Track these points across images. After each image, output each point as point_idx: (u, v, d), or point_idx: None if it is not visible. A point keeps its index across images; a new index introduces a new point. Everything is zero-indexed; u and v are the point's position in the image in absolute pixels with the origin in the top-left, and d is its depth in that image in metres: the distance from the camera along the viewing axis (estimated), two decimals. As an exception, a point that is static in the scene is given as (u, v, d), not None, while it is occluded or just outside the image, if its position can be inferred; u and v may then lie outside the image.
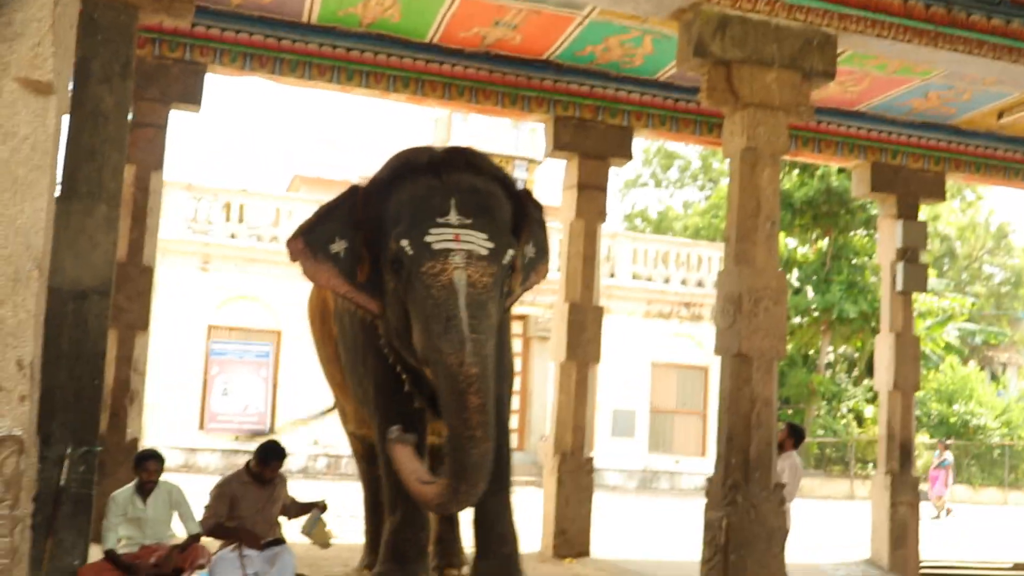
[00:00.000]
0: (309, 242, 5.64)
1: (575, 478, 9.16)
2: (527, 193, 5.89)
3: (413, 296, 5.19)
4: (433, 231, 5.18)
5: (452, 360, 4.91)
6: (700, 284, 22.51)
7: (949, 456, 19.15)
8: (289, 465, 19.01)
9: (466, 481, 4.87)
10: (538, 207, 5.91)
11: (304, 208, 20.10)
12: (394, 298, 5.39)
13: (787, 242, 26.59)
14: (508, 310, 5.86)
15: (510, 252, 5.31)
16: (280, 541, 5.96)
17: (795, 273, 26.06)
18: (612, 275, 21.76)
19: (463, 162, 5.55)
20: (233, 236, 19.53)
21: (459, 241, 5.14)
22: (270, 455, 6.03)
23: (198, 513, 6.00)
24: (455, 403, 4.90)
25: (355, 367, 6.30)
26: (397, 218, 5.37)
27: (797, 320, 25.67)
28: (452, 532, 7.21)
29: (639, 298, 21.90)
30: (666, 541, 11.52)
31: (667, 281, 22.34)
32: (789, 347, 25.53)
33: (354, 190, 5.72)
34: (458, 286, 5.02)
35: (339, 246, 5.59)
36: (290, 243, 5.70)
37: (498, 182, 5.61)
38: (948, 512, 18.37)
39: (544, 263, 5.97)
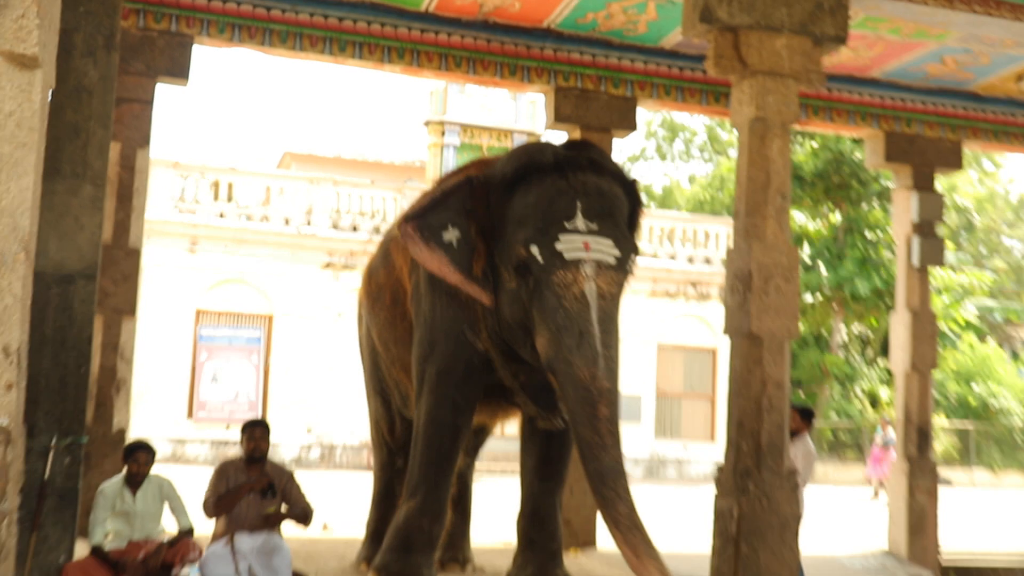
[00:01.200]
0: (421, 227, 5.70)
1: (579, 466, 9.17)
2: (638, 186, 5.97)
3: (542, 304, 5.28)
4: (563, 238, 5.28)
5: (584, 374, 5.07)
6: (708, 261, 22.53)
7: (892, 434, 19.16)
8: (282, 454, 19.06)
9: (608, 486, 5.01)
10: (641, 199, 6.03)
11: (295, 186, 20.12)
12: (514, 297, 5.49)
13: (798, 216, 26.57)
14: None
15: (633, 258, 5.45)
16: (274, 532, 5.97)
17: (806, 249, 26.06)
18: (616, 253, 21.72)
19: (587, 161, 5.64)
20: (222, 216, 19.52)
21: (589, 250, 5.25)
22: (251, 423, 6.07)
23: (190, 506, 6.03)
24: (586, 414, 5.07)
25: (423, 346, 6.29)
26: (522, 220, 5.45)
27: (809, 298, 25.68)
28: (463, 526, 7.26)
29: (644, 277, 21.91)
30: (674, 531, 11.56)
31: (673, 258, 22.36)
32: (801, 327, 25.55)
33: (469, 181, 5.78)
34: (590, 299, 5.16)
35: (452, 235, 5.69)
36: (403, 227, 5.76)
37: (618, 180, 5.71)
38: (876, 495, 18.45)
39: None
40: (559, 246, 5.24)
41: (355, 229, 20.28)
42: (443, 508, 6.07)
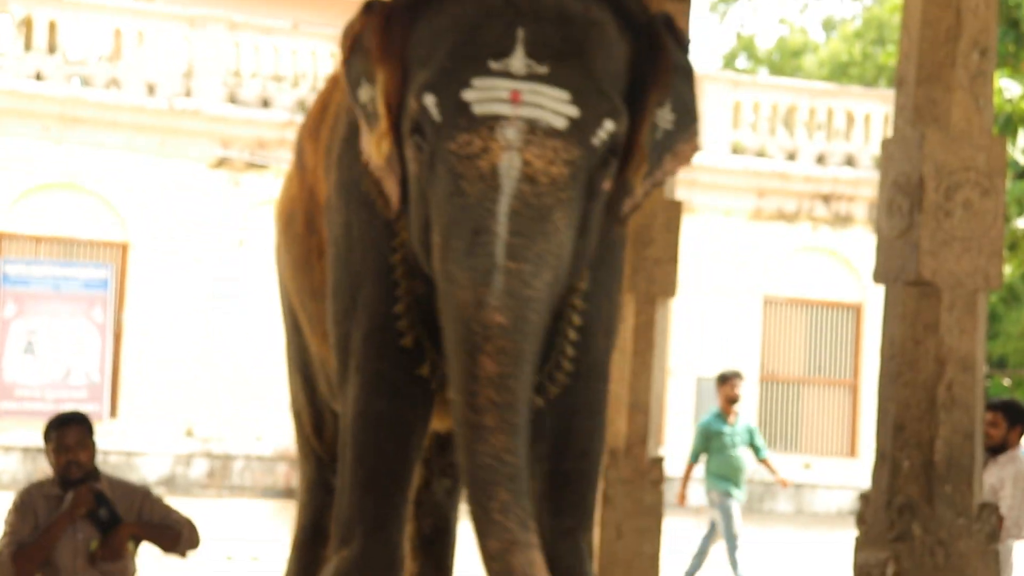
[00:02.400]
0: (349, 80, 5.69)
1: (633, 493, 9.28)
2: (666, 21, 5.85)
3: (435, 188, 5.21)
4: (478, 83, 5.17)
5: (467, 297, 4.93)
6: (850, 162, 22.49)
7: None
8: (144, 471, 19.36)
9: (476, 500, 4.93)
10: (683, 44, 5.89)
11: (163, 29, 20.06)
12: (416, 189, 5.44)
13: (1009, 87, 26.49)
14: (623, 223, 5.88)
15: (609, 126, 5.26)
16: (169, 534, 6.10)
17: (1021, 142, 26.02)
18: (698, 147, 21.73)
19: None
20: (39, 78, 19.53)
21: (519, 103, 5.15)
22: (58, 422, 6.16)
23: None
24: (461, 366, 4.93)
25: (341, 296, 6.32)
26: (426, 58, 5.38)
27: (1023, 224, 25.71)
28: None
29: (745, 187, 21.89)
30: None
31: (793, 157, 22.33)
32: (1008, 270, 25.57)
33: (372, 5, 5.74)
34: (503, 180, 5.02)
35: (367, 93, 5.64)
36: (341, 74, 5.77)
37: (608, 4, 5.59)
38: None
39: (689, 139, 5.91)
40: (468, 95, 5.10)
41: (266, 104, 20.31)
42: (395, 557, 6.08)
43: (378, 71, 5.54)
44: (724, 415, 12.27)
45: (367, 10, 5.69)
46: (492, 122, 5.04)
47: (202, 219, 19.81)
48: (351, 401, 6.09)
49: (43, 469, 18.30)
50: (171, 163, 19.84)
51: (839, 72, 33.93)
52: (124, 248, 19.78)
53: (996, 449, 7.58)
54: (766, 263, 22.13)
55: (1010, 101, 26.06)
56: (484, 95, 5.10)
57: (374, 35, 5.57)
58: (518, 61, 5.16)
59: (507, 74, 5.14)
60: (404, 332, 5.84)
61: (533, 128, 5.05)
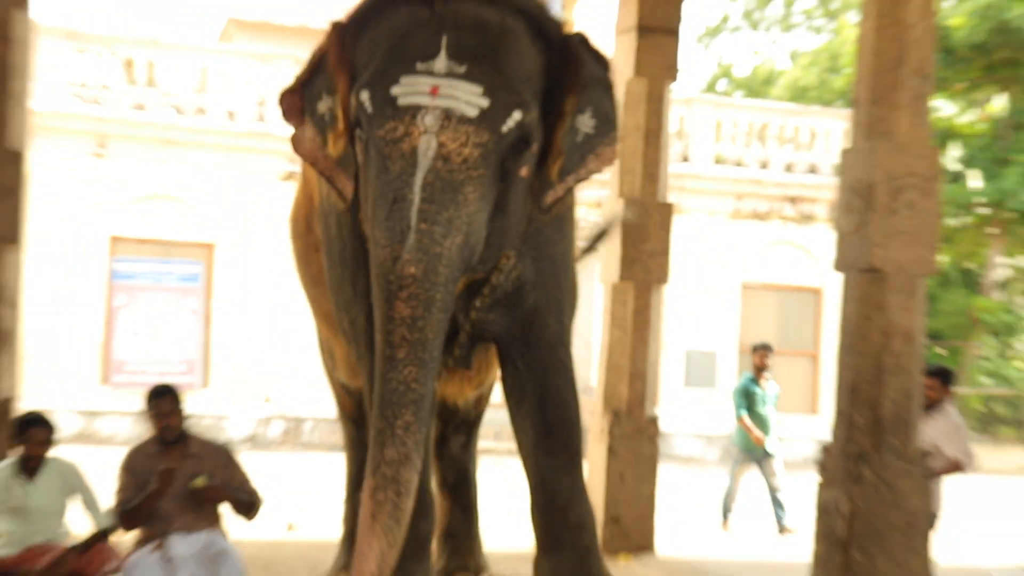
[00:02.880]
0: (305, 98, 5.69)
1: (633, 446, 9.27)
2: (581, 40, 5.82)
3: (368, 170, 5.24)
4: (404, 80, 5.15)
5: (385, 254, 4.94)
6: (813, 170, 22.42)
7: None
8: (230, 431, 19.33)
9: (383, 418, 4.92)
10: (601, 61, 5.86)
11: (240, 65, 20.07)
12: (361, 176, 5.44)
13: (944, 107, 26.32)
14: (547, 212, 5.86)
15: (516, 115, 5.24)
16: (217, 532, 6.07)
17: (955, 151, 25.84)
18: (686, 159, 21.67)
19: None
20: (141, 108, 19.51)
21: (437, 95, 5.12)
22: (153, 393, 6.14)
23: (106, 500, 6.13)
24: (380, 312, 4.97)
25: (341, 288, 6.34)
26: (366, 63, 5.36)
27: (956, 220, 25.54)
28: (467, 525, 7.34)
29: (725, 191, 21.84)
30: (761, 533, 11.68)
31: (765, 166, 22.27)
32: (944, 259, 25.46)
33: (335, 25, 5.72)
34: (420, 158, 5.03)
35: (325, 104, 5.63)
36: (284, 98, 5.74)
37: (523, 17, 5.55)
38: None
39: (608, 143, 5.90)
40: (395, 89, 5.11)
41: (326, 125, 20.24)
42: (424, 496, 6.08)
43: (337, 82, 5.52)
44: (756, 379, 12.09)
45: (330, 31, 5.63)
46: (414, 111, 5.04)
47: (273, 222, 19.77)
48: (365, 373, 6.08)
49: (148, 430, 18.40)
50: (248, 177, 19.85)
51: (801, 95, 33.73)
52: (211, 248, 19.79)
53: (931, 407, 7.56)
54: (743, 255, 22.09)
55: (944, 118, 25.90)
56: (408, 89, 5.09)
57: (332, 51, 5.54)
58: (441, 62, 5.14)
59: (430, 72, 5.12)
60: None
61: (448, 116, 5.05)
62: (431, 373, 4.98)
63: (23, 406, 7.80)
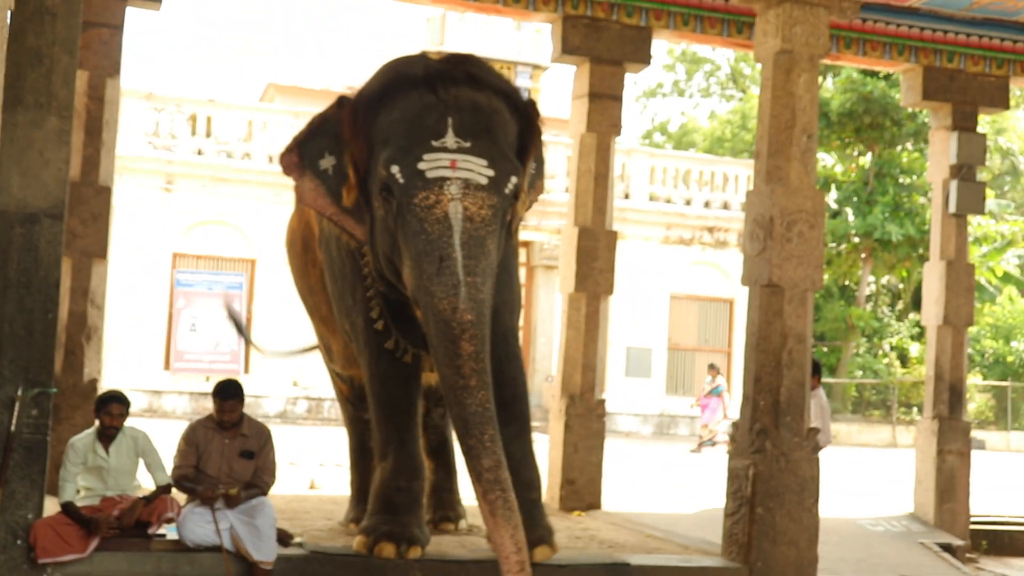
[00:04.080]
0: (303, 155, 5.68)
1: (584, 423, 9.25)
2: (533, 106, 5.87)
3: (404, 229, 5.26)
4: (427, 157, 5.22)
5: (445, 305, 5.02)
6: (726, 206, 22.49)
7: (722, 382, 19.36)
8: (266, 408, 19.19)
9: (472, 435, 4.99)
10: (539, 116, 5.93)
11: (279, 120, 20.01)
12: (383, 227, 5.45)
13: (825, 159, 26.45)
14: (515, 233, 5.90)
15: (513, 180, 5.35)
16: (256, 491, 6.02)
17: (833, 193, 25.97)
18: (627, 196, 21.72)
19: (463, 75, 5.55)
20: (200, 152, 19.46)
21: (455, 168, 5.19)
22: (222, 392, 6.08)
23: (167, 461, 6.07)
24: (447, 351, 5.04)
25: (343, 298, 6.35)
26: (387, 140, 5.40)
27: (835, 247, 25.67)
28: (448, 481, 7.31)
29: (657, 222, 21.88)
30: (686, 493, 11.67)
31: (689, 203, 22.33)
32: (826, 277, 25.58)
33: (343, 101, 5.72)
34: (453, 221, 5.12)
35: (328, 162, 5.66)
36: (284, 156, 5.78)
37: (503, 96, 5.62)
38: (713, 444, 18.57)
39: (542, 177, 6.09)
40: (422, 165, 5.19)
41: (345, 167, 20.23)
42: (417, 463, 6.12)
43: (349, 146, 5.56)
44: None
45: (339, 104, 5.73)
46: (440, 182, 5.17)
47: (304, 244, 19.79)
48: (366, 365, 6.13)
49: (204, 406, 18.28)
50: (283, 207, 19.70)
51: (719, 146, 33.85)
52: (253, 263, 19.72)
53: None
54: (671, 272, 22.13)
55: (825, 167, 26.05)
56: (432, 164, 5.20)
57: (345, 121, 5.60)
58: (450, 139, 5.27)
59: (444, 149, 5.23)
60: (377, 319, 5.96)
61: (467, 185, 5.19)
62: (492, 392, 5.08)
63: (104, 386, 7.75)
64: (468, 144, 5.25)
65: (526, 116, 5.72)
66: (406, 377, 6.12)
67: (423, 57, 5.83)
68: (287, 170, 5.78)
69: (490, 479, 4.96)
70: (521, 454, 6.10)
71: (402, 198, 5.22)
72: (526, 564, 4.96)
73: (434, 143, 5.25)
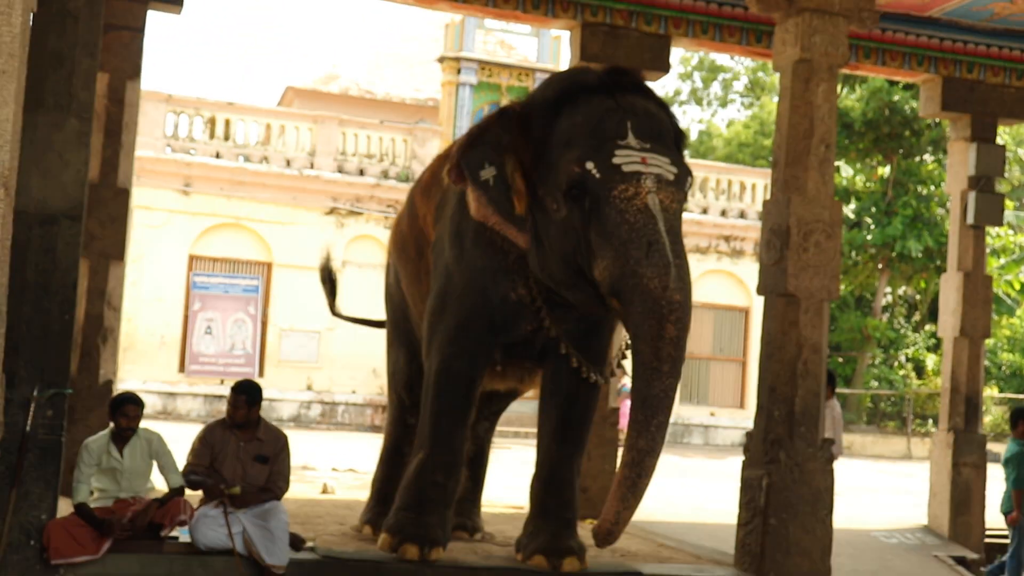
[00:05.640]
0: (465, 166, 5.72)
1: (597, 431, 9.15)
2: (676, 117, 6.04)
3: (603, 222, 5.31)
4: (619, 152, 5.35)
5: (655, 284, 5.10)
6: (743, 215, 22.44)
7: (628, 381, 19.10)
8: (280, 412, 19.23)
9: (643, 413, 5.09)
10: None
11: (297, 125, 20.07)
12: (564, 228, 5.48)
13: (843, 169, 26.35)
14: None
15: (689, 180, 5.56)
16: (270, 495, 6.02)
17: (851, 204, 25.87)
18: (644, 204, 21.69)
19: (632, 84, 5.74)
20: (218, 156, 19.52)
21: (647, 164, 5.32)
22: (235, 388, 6.10)
23: (181, 464, 6.09)
24: (650, 330, 5.10)
25: (438, 299, 6.31)
26: (571, 141, 5.50)
27: (852, 257, 25.56)
28: (474, 493, 7.30)
29: (674, 230, 21.84)
30: (699, 502, 11.64)
31: (705, 211, 22.28)
32: (842, 287, 25.47)
33: (504, 112, 5.81)
34: (655, 210, 5.23)
35: (488, 173, 5.72)
36: (450, 171, 5.83)
37: (661, 106, 5.82)
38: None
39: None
40: (616, 160, 5.31)
41: (361, 173, 20.23)
42: (458, 461, 6.13)
43: (515, 154, 5.66)
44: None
45: (503, 114, 5.85)
46: (637, 176, 5.28)
47: (318, 247, 19.78)
48: (437, 361, 6.12)
49: (218, 410, 18.33)
50: (299, 211, 19.84)
51: (736, 150, 33.79)
52: (269, 266, 19.76)
53: None
54: (687, 281, 22.10)
55: (844, 178, 25.95)
56: (627, 159, 5.33)
57: (515, 128, 5.71)
58: (632, 140, 5.40)
59: (630, 147, 5.36)
60: (498, 321, 6.02)
61: (659, 180, 5.32)
62: (678, 381, 5.20)
63: (119, 388, 7.77)
64: (648, 145, 5.42)
65: (676, 126, 5.89)
66: (473, 381, 6.16)
67: (590, 69, 6.03)
68: (456, 181, 5.82)
69: (635, 459, 5.07)
70: (570, 476, 6.26)
71: (599, 192, 5.31)
72: (615, 534, 5.14)
73: (619, 142, 5.40)
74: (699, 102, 40.37)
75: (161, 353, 19.02)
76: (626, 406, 18.87)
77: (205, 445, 6.05)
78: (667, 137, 5.62)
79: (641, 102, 5.61)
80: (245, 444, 6.05)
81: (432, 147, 20.30)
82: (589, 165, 5.33)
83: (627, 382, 18.94)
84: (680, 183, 5.40)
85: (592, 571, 6.25)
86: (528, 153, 5.64)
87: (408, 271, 7.21)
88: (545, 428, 6.28)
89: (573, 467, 6.26)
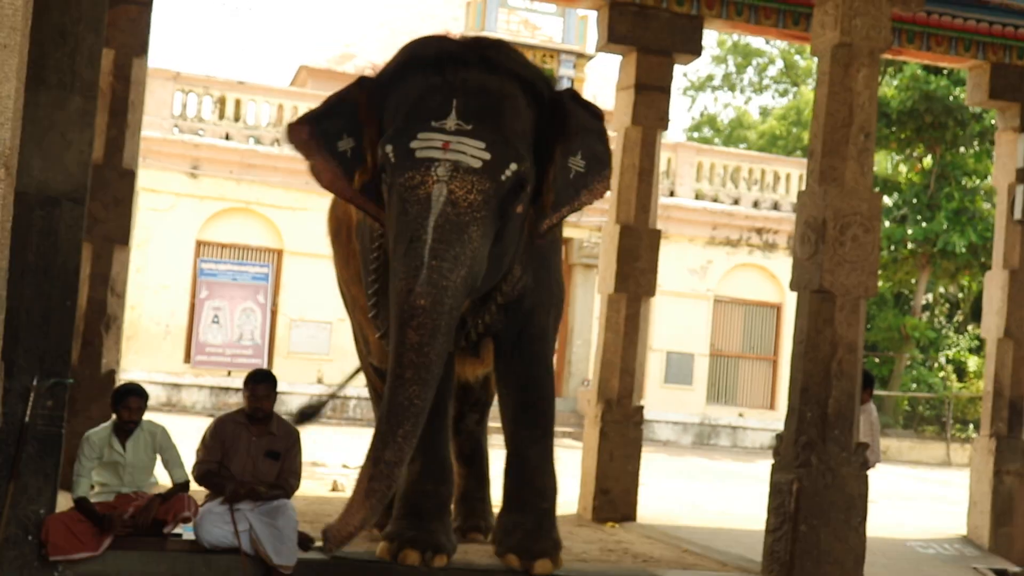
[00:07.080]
0: (317, 133, 5.70)
1: (621, 430, 9.22)
2: (571, 95, 5.86)
3: (391, 210, 5.35)
4: (421, 136, 5.27)
5: (402, 286, 5.06)
6: (776, 206, 22.35)
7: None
8: (290, 405, 19.31)
9: (386, 423, 5.02)
10: (594, 113, 5.91)
11: (311, 105, 20.08)
12: (389, 211, 5.48)
13: (883, 159, 26.21)
14: (542, 237, 5.88)
15: (513, 166, 5.33)
16: (278, 493, 6.04)
17: (892, 197, 25.74)
18: (672, 193, 21.63)
19: (477, 57, 5.58)
20: (227, 137, 19.58)
21: (447, 150, 5.20)
22: (254, 376, 6.12)
23: (186, 458, 6.11)
24: (394, 335, 5.09)
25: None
26: (391, 119, 5.49)
27: (891, 252, 25.43)
28: (480, 490, 7.31)
29: (703, 221, 21.76)
30: (725, 506, 11.62)
31: (737, 202, 22.21)
32: (880, 284, 25.35)
33: (362, 81, 5.77)
34: (433, 203, 5.13)
35: (347, 144, 5.69)
36: (294, 129, 5.77)
37: (521, 82, 5.61)
38: None
39: (601, 179, 5.94)
40: (413, 144, 5.23)
41: (376, 157, 20.28)
42: (445, 467, 6.15)
43: (365, 128, 5.61)
44: None
45: (358, 84, 5.79)
46: (428, 163, 5.19)
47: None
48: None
49: (224, 402, 18.42)
50: (311, 197, 19.80)
51: (770, 144, 33.66)
52: (279, 253, 19.82)
53: None
54: (716, 274, 22.03)
55: (886, 169, 25.80)
56: (424, 144, 5.23)
57: (361, 103, 5.66)
58: (451, 121, 5.28)
59: (442, 130, 5.26)
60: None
61: (456, 167, 5.18)
62: (432, 389, 5.08)
63: (122, 378, 7.82)
64: (469, 127, 5.28)
65: (555, 106, 5.69)
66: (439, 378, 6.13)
67: (440, 39, 5.90)
68: (297, 146, 5.81)
69: (383, 472, 4.99)
70: (538, 460, 6.15)
71: (392, 178, 5.29)
72: (335, 536, 5.12)
73: (433, 123, 5.29)
74: (732, 88, 40.23)
75: (166, 342, 19.11)
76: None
77: (216, 440, 6.06)
78: (507, 117, 5.43)
79: (479, 77, 5.44)
80: (257, 439, 6.07)
81: (451, 131, 20.31)
82: (388, 149, 5.29)
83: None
84: (491, 171, 5.21)
85: (611, 574, 6.24)
86: (374, 127, 5.59)
87: (340, 255, 7.32)
88: (507, 416, 6.28)
89: (543, 450, 6.17)
